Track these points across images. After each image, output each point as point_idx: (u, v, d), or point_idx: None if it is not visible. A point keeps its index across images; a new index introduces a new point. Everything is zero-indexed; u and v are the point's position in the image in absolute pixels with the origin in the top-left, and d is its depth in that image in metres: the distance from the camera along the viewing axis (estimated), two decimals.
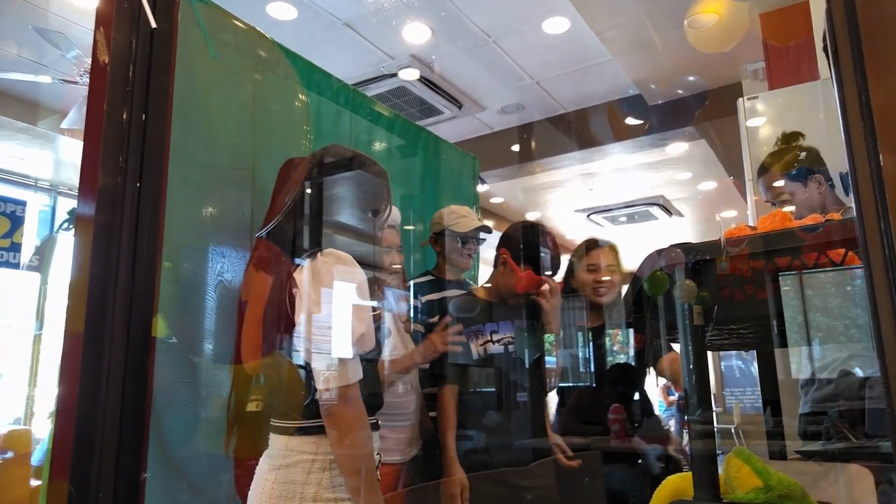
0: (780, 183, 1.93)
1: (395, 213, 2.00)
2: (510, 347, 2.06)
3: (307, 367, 1.33)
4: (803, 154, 1.91)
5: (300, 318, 1.31)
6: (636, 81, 4.57)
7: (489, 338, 2.05)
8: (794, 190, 1.89)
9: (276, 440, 1.35)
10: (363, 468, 1.32)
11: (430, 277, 2.31)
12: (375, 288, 1.52)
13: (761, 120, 2.80)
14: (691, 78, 4.50)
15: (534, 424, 2.10)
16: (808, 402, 1.68)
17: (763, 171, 2.00)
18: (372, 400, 1.40)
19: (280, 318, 1.34)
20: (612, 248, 2.34)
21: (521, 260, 2.04)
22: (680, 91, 4.66)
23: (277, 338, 1.35)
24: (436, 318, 2.14)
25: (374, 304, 1.52)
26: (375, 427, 1.43)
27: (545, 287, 2.04)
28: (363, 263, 1.48)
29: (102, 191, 0.96)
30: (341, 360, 1.30)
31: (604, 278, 2.24)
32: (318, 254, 1.36)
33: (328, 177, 1.52)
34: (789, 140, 2.01)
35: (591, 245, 2.33)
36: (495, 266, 2.13)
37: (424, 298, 2.23)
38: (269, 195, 1.57)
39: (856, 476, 1.21)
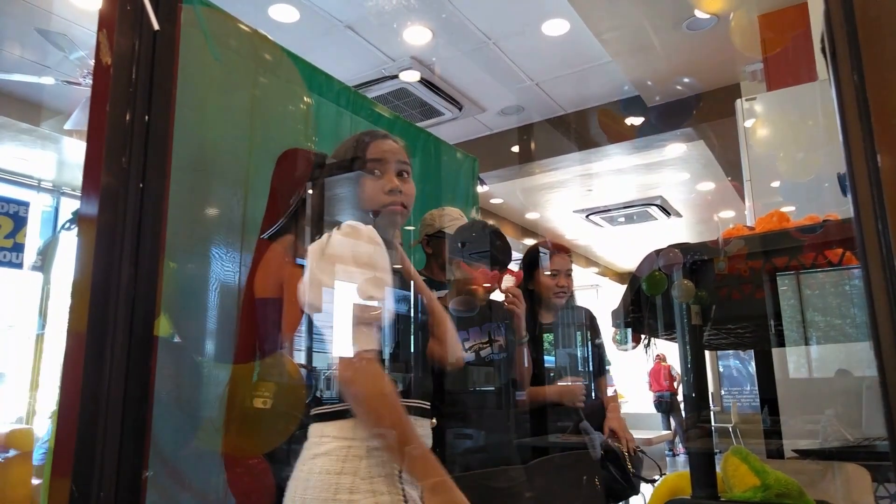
0: None
1: None
2: (483, 352, 2.06)
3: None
4: None
5: (311, 292, 1.22)
6: (635, 83, 4.58)
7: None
8: None
9: (311, 429, 1.27)
10: (404, 447, 1.19)
11: (421, 278, 2.31)
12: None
13: (760, 121, 2.80)
14: (688, 80, 4.51)
15: (513, 424, 2.10)
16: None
17: None
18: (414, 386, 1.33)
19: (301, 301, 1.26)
20: (570, 253, 2.49)
21: (472, 261, 2.05)
22: (679, 90, 4.67)
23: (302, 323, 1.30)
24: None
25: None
26: (420, 412, 1.32)
27: (506, 285, 2.03)
28: None
29: (105, 191, 0.97)
30: (355, 328, 1.21)
31: (562, 283, 2.39)
32: (337, 228, 1.28)
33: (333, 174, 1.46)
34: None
35: (555, 250, 2.47)
36: (449, 276, 2.14)
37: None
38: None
39: (853, 475, 1.22)
